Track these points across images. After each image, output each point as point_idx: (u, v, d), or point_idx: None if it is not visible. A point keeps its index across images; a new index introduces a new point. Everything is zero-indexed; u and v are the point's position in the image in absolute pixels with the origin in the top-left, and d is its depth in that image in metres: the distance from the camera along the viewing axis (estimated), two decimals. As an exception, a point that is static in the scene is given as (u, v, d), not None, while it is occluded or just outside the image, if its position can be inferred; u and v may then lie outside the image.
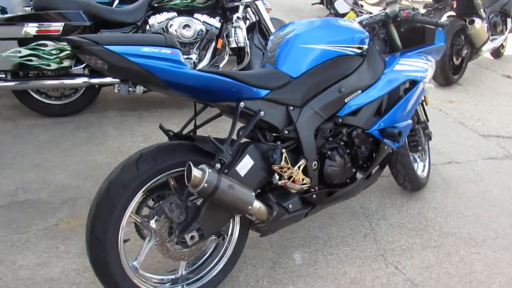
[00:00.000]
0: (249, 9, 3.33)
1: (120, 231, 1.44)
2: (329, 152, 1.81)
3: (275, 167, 1.63)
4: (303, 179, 1.71)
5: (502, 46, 4.98)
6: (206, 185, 1.36)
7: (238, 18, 3.19)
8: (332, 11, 6.20)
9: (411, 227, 2.19)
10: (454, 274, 1.90)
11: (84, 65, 3.02)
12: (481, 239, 2.12)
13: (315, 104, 1.75)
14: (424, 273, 1.90)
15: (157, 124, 3.16)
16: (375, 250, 2.03)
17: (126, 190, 1.43)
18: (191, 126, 1.84)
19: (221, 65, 3.35)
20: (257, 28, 3.35)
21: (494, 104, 3.87)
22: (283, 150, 1.66)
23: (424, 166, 2.45)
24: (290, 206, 1.71)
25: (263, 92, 1.62)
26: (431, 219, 2.26)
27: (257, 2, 3.25)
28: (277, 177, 1.65)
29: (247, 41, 3.21)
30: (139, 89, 1.44)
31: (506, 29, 4.57)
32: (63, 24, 2.75)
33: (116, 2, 3.51)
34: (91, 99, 3.28)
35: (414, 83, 2.01)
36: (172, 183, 1.57)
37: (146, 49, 1.35)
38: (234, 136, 1.60)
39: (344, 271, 1.89)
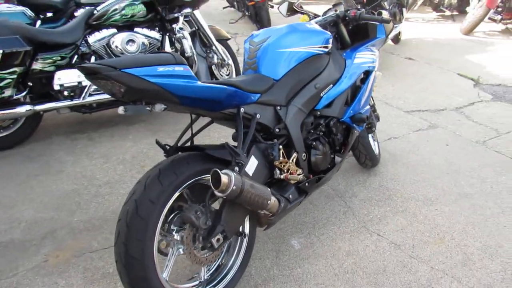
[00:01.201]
0: (185, 19, 3.40)
1: (155, 247, 1.48)
2: (313, 143, 2.02)
3: (277, 163, 1.79)
4: (297, 170, 1.89)
5: (399, 32, 5.69)
6: (234, 187, 1.46)
7: (180, 28, 3.24)
8: (247, 12, 6.47)
9: (378, 199, 2.50)
10: (424, 230, 2.24)
11: (25, 92, 2.84)
12: (434, 198, 2.51)
13: (297, 101, 1.94)
14: (401, 234, 2.21)
15: (111, 143, 3.12)
16: (357, 223, 2.29)
17: (155, 205, 1.47)
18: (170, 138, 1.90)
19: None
20: (198, 37, 3.44)
21: (407, 84, 4.45)
22: (280, 147, 1.83)
23: (375, 144, 2.79)
24: (290, 196, 1.88)
25: (256, 97, 1.77)
26: (391, 189, 2.60)
27: (195, 12, 3.33)
28: (278, 172, 1.81)
29: (194, 51, 3.28)
30: (159, 107, 1.49)
31: (403, 17, 5.25)
32: (1, 51, 2.56)
33: (38, 23, 3.31)
34: (33, 127, 3.08)
35: (367, 73, 2.30)
36: (186, 194, 1.64)
37: (161, 69, 1.41)
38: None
39: (338, 246, 2.12)
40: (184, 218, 1.58)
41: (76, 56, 3.01)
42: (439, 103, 3.90)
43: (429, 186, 2.62)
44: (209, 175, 1.63)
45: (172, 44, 3.40)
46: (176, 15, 3.24)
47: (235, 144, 1.68)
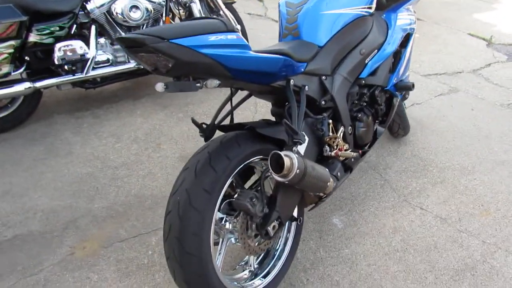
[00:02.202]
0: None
1: (211, 240, 1.33)
2: (358, 115, 1.87)
3: (327, 139, 1.63)
4: (344, 146, 1.74)
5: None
6: (298, 171, 1.30)
7: (187, -8, 2.97)
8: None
9: (414, 170, 2.39)
10: (467, 202, 2.14)
11: (23, 69, 2.57)
12: (471, 166, 2.41)
13: (343, 70, 1.76)
14: (444, 207, 2.11)
15: (119, 120, 2.89)
16: (396, 197, 2.18)
17: (210, 194, 1.30)
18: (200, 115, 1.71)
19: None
20: (204, 1, 3.16)
21: (420, 46, 4.26)
22: (330, 121, 1.66)
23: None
24: (338, 174, 1.74)
25: (303, 66, 1.58)
26: (425, 159, 2.48)
27: (201, -27, 3.05)
28: (327, 148, 1.65)
29: (203, 16, 3.02)
30: (213, 83, 1.29)
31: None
32: (-5, 22, 2.27)
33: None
34: (34, 106, 2.82)
35: (407, 36, 2.12)
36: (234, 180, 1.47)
37: (213, 38, 1.21)
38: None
39: (382, 223, 2.01)
40: (239, 205, 1.41)
41: (75, 26, 2.73)
42: (455, 65, 3.76)
43: (462, 154, 2.51)
44: (258, 157, 1.48)
45: (176, 9, 3.13)
46: (181, -23, 2.95)
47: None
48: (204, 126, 1.68)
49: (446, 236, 1.93)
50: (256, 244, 1.51)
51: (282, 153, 1.29)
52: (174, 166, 2.44)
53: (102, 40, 2.86)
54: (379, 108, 1.98)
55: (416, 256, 1.83)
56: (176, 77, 1.30)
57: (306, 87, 1.58)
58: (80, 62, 2.73)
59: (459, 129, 2.77)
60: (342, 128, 1.75)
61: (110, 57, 2.87)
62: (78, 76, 2.74)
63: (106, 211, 2.11)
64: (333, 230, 1.98)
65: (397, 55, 2.07)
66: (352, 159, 1.83)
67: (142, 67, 2.88)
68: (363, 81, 1.87)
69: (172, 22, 3.16)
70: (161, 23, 3.03)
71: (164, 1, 2.99)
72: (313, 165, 1.40)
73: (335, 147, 1.67)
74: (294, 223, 1.70)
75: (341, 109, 1.74)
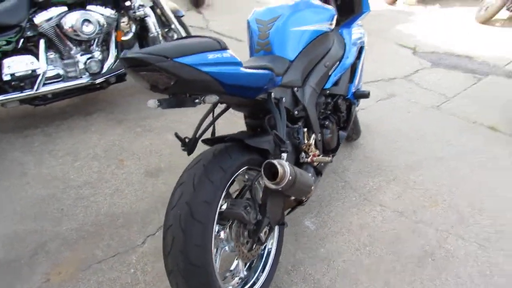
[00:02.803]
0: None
1: (213, 250, 1.37)
2: (325, 123, 2.02)
3: (303, 146, 1.76)
4: (316, 152, 1.88)
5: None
6: (290, 177, 1.40)
7: (141, 5, 2.95)
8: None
9: (368, 170, 2.61)
10: (418, 196, 2.39)
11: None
12: (415, 164, 2.68)
13: (311, 82, 1.91)
14: (400, 202, 2.34)
15: (73, 138, 2.78)
16: (357, 196, 2.37)
17: (211, 205, 1.35)
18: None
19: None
20: (156, 15, 3.16)
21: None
22: (304, 129, 1.79)
23: (355, 117, 2.87)
24: (313, 178, 1.87)
25: (279, 80, 1.69)
26: (376, 159, 2.72)
27: (153, -13, 3.05)
28: (304, 155, 1.78)
29: (159, 30, 3.01)
30: (211, 99, 1.34)
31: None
32: None
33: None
34: (-24, 126, 2.62)
35: (360, 49, 2.33)
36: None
37: (211, 56, 1.28)
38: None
39: (349, 221, 2.18)
40: (233, 214, 1.48)
41: (22, 40, 2.59)
42: (390, 73, 4.13)
43: (407, 153, 2.79)
44: (245, 167, 1.55)
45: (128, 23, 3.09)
46: (133, -10, 2.93)
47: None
48: (187, 140, 1.72)
49: (405, 228, 2.15)
50: (249, 250, 1.58)
51: (275, 162, 1.38)
52: (141, 182, 2.42)
53: (52, 54, 2.74)
54: (341, 115, 2.16)
55: (383, 248, 2.02)
56: (172, 94, 1.34)
57: (283, 98, 1.70)
58: (29, 78, 2.60)
59: (400, 130, 3.07)
60: (313, 136, 1.89)
61: (61, 72, 2.77)
62: (28, 92, 2.61)
63: (77, 233, 2.04)
64: (307, 232, 2.10)
65: (353, 67, 2.26)
66: (322, 164, 1.97)
67: (96, 82, 2.82)
68: (328, 91, 2.03)
69: (124, 36, 3.11)
70: (112, 37, 2.98)
71: (115, 15, 2.94)
72: (300, 172, 1.51)
73: (310, 153, 1.80)
74: (277, 228, 1.80)
75: (312, 118, 1.87)
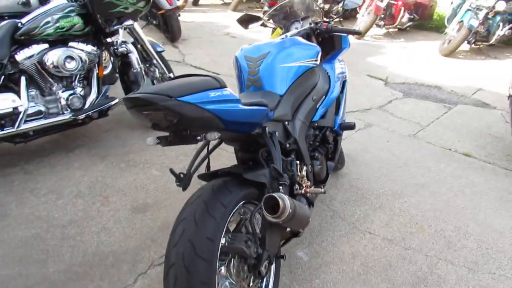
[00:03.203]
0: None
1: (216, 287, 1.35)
2: (315, 154, 2.07)
3: (298, 178, 1.79)
4: (307, 183, 1.91)
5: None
6: (290, 210, 1.42)
7: (123, 42, 2.97)
8: (154, 21, 6.14)
9: (354, 199, 2.66)
10: (404, 222, 2.45)
11: None
12: (399, 191, 2.76)
13: (301, 115, 1.96)
14: (388, 229, 2.38)
15: (55, 175, 2.71)
16: (347, 225, 2.40)
17: (213, 242, 1.34)
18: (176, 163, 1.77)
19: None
20: (137, 50, 3.19)
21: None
22: (297, 162, 1.83)
23: (338, 147, 2.95)
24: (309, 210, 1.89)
25: (272, 114, 1.73)
26: (361, 188, 2.78)
27: (134, 24, 3.08)
28: (297, 187, 1.81)
29: (141, 66, 3.03)
30: (213, 135, 1.35)
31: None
32: None
33: None
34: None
35: (343, 82, 2.43)
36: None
37: (213, 94, 1.31)
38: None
39: (341, 251, 2.20)
40: (234, 249, 1.47)
41: (2, 78, 2.55)
42: (365, 103, 4.28)
43: (390, 181, 2.87)
44: (243, 201, 1.56)
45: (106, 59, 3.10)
46: (115, 27, 2.96)
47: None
48: (182, 176, 1.72)
49: (396, 255, 2.18)
50: (248, 285, 1.57)
51: (276, 195, 1.39)
52: (128, 218, 2.36)
53: (33, 91, 2.70)
54: (329, 147, 2.22)
55: (377, 276, 2.04)
56: (173, 131, 1.35)
57: (276, 132, 1.73)
58: (10, 116, 2.54)
59: (382, 159, 3.16)
60: (304, 167, 1.93)
61: (43, 108, 2.73)
62: (9, 130, 2.55)
63: (65, 275, 1.96)
64: (300, 263, 2.10)
65: (337, 100, 2.35)
66: (314, 195, 2.00)
67: (79, 118, 2.78)
68: (316, 124, 2.09)
69: (104, 71, 3.12)
70: (94, 73, 2.97)
71: (97, 51, 2.95)
72: (299, 204, 1.52)
73: (303, 185, 1.83)
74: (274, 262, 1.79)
75: (303, 150, 1.92)
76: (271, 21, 2.57)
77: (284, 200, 1.41)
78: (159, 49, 3.42)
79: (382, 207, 2.58)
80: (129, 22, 2.97)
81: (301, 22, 2.45)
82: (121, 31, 2.99)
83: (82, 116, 2.78)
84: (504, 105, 4.28)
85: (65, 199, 2.48)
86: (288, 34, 2.32)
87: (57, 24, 2.69)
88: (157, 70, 3.33)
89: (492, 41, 6.01)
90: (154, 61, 3.30)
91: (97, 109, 2.86)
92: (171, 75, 3.46)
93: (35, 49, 2.66)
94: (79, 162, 2.88)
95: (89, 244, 2.15)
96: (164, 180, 2.73)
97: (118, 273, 1.98)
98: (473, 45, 6.34)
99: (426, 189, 2.79)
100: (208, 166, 1.79)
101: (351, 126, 2.29)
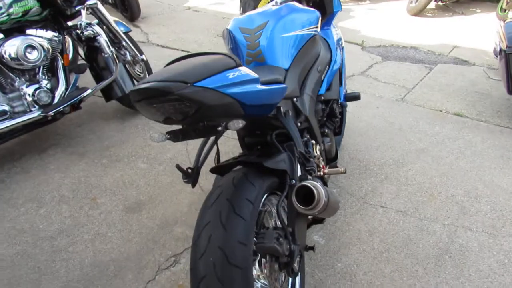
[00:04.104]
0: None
1: (254, 294, 1.19)
2: (325, 130, 1.91)
3: (316, 160, 1.63)
4: (322, 163, 1.76)
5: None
6: (326, 200, 1.26)
7: (88, 24, 2.65)
8: (110, 0, 5.69)
9: (358, 172, 2.54)
10: (414, 191, 2.36)
11: None
12: (401, 158, 2.67)
13: (308, 89, 1.79)
14: (399, 200, 2.29)
15: (31, 181, 2.44)
16: (356, 201, 2.29)
17: (247, 246, 1.17)
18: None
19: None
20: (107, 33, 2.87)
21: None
22: (313, 142, 1.66)
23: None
24: None
25: (282, 91, 1.55)
26: (362, 159, 2.66)
27: (98, 3, 2.74)
28: (315, 168, 1.65)
29: (113, 49, 2.72)
30: (236, 125, 1.15)
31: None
32: None
33: None
34: None
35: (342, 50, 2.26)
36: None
37: (231, 75, 1.10)
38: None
39: (357, 229, 2.09)
40: (266, 249, 1.30)
41: (-46, 77, 2.21)
42: (346, 70, 4.13)
43: (390, 149, 2.77)
44: (266, 194, 1.39)
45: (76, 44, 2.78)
46: (77, 8, 2.62)
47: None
48: (189, 171, 1.51)
49: (413, 227, 2.10)
50: (281, 285, 1.42)
51: (309, 185, 1.23)
52: (123, 220, 2.15)
53: (-9, 90, 2.37)
54: (336, 120, 2.06)
55: (399, 252, 1.94)
56: (189, 124, 1.15)
57: (290, 111, 1.55)
58: (-28, 119, 2.22)
59: (376, 126, 3.05)
60: (317, 146, 1.77)
61: (7, 108, 2.40)
62: (-28, 136, 2.22)
63: (63, 293, 1.74)
64: (318, 248, 1.97)
65: (339, 70, 2.18)
66: (326, 175, 1.85)
67: (49, 114, 2.48)
68: (322, 97, 1.92)
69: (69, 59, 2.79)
70: (59, 62, 2.65)
71: (58, 37, 2.62)
72: (330, 191, 1.37)
73: (320, 166, 1.68)
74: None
75: (314, 127, 1.75)
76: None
77: (318, 189, 1.25)
78: (125, 29, 3.11)
79: (388, 178, 2.48)
80: (92, 1, 2.64)
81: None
82: (83, 12, 2.65)
83: (52, 112, 2.48)
84: (483, 61, 4.29)
85: (48, 207, 2.22)
86: (278, 0, 2.11)
87: (10, 10, 2.34)
88: (127, 53, 3.02)
89: (460, -4, 5.98)
90: (124, 43, 2.98)
91: (68, 102, 2.55)
92: (143, 57, 3.16)
93: (-12, 40, 2.32)
94: (56, 163, 2.60)
95: (84, 254, 1.93)
96: (154, 173, 2.51)
97: (123, 284, 1.78)
98: (439, 2, 6.30)
99: (427, 154, 2.71)
100: (218, 158, 1.59)
101: (356, 97, 2.14)
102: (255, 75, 1.19)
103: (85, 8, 2.65)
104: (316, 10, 1.90)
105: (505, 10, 5.48)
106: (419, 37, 5.09)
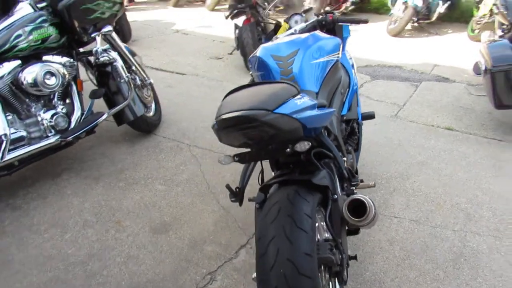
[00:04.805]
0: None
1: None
2: (348, 148, 2.04)
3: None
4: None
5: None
6: (375, 211, 1.39)
7: (104, 50, 2.71)
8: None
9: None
10: (422, 202, 2.52)
11: None
12: (405, 171, 2.83)
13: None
14: (411, 210, 2.44)
15: (50, 207, 2.45)
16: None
17: (312, 257, 1.27)
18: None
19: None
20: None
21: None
22: (344, 158, 1.79)
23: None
24: None
25: (318, 113, 1.68)
26: (370, 174, 2.81)
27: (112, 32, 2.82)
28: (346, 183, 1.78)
29: (129, 75, 2.79)
30: (304, 146, 1.26)
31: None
32: None
33: None
34: None
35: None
36: None
37: (298, 102, 1.22)
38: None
39: (378, 239, 2.22)
40: (323, 260, 1.39)
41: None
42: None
43: (393, 163, 2.94)
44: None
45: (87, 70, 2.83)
46: (93, 35, 2.69)
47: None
48: (237, 190, 1.61)
49: (428, 234, 2.25)
50: (330, 293, 1.51)
51: (362, 198, 1.35)
52: (152, 241, 2.19)
53: (10, 116, 2.38)
54: (354, 138, 2.21)
55: (419, 258, 2.08)
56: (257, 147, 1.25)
57: (324, 131, 1.68)
58: (-8, 147, 2.22)
59: (378, 142, 3.23)
60: (344, 163, 1.90)
61: (24, 134, 2.42)
62: (-8, 164, 2.23)
63: (106, 316, 1.77)
64: (344, 258, 2.08)
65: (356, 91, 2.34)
66: (353, 188, 1.98)
67: (68, 139, 2.51)
68: (345, 117, 2.06)
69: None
70: (73, 88, 2.69)
71: (73, 63, 2.67)
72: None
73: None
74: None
75: (342, 146, 1.88)
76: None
77: (368, 201, 1.38)
78: (134, 54, 3.19)
79: (396, 190, 2.64)
80: (108, 28, 2.72)
81: (303, 15, 2.40)
82: (98, 38, 2.73)
83: (71, 137, 2.51)
84: (462, 78, 4.60)
85: (73, 232, 2.24)
86: (297, 28, 2.27)
87: (30, 37, 2.39)
88: (137, 77, 3.10)
89: (433, 18, 6.37)
90: (133, 68, 3.06)
91: (87, 127, 2.59)
92: (151, 80, 3.25)
93: (7, 67, 2.36)
94: (72, 188, 2.61)
95: (120, 277, 1.96)
96: (173, 194, 2.57)
97: (165, 303, 1.83)
98: (415, 24, 6.68)
99: (428, 166, 2.90)
100: (262, 177, 1.69)
101: (371, 116, 2.30)
102: (314, 101, 1.31)
103: (100, 35, 2.72)
104: (337, 38, 2.06)
105: (474, 31, 5.90)
106: (402, 56, 5.39)
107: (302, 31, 2.25)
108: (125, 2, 6.06)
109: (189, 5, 8.81)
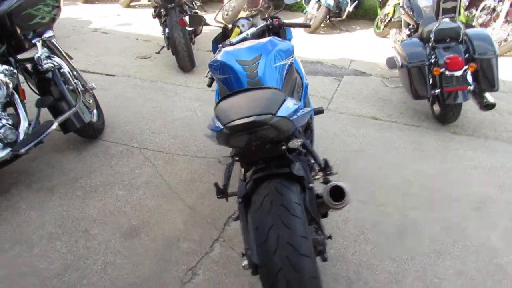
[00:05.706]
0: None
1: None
2: (308, 141, 2.28)
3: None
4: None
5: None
6: (349, 196, 1.63)
7: (47, 57, 2.60)
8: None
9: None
10: (365, 184, 2.87)
11: None
12: (346, 159, 3.18)
13: (294, 110, 2.14)
14: (357, 192, 2.77)
15: (7, 224, 2.38)
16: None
17: (308, 239, 1.47)
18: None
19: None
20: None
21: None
22: (312, 151, 2.02)
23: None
24: None
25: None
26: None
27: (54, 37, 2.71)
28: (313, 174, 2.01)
29: (77, 81, 2.70)
30: (296, 143, 1.44)
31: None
32: None
33: None
34: None
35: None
36: None
37: (290, 105, 1.40)
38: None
39: (334, 220, 2.50)
40: (313, 241, 1.60)
41: None
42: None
43: (334, 152, 3.27)
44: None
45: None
46: (34, 41, 2.58)
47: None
48: (222, 188, 1.74)
49: (375, 212, 2.58)
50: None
51: (341, 185, 1.59)
52: (125, 246, 2.22)
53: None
54: (310, 131, 2.45)
55: (372, 233, 2.40)
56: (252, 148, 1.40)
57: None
58: None
59: (317, 134, 3.53)
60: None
61: (-29, 150, 2.26)
62: None
63: (98, 324, 1.79)
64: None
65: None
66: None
67: (21, 153, 2.41)
68: (301, 114, 2.29)
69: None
70: (16, 97, 2.55)
71: (12, 70, 2.53)
72: (345, 187, 1.74)
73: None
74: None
75: (307, 144, 2.11)
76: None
77: (346, 188, 1.62)
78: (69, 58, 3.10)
79: (342, 176, 2.89)
80: (49, 33, 2.62)
81: (250, 19, 2.58)
82: (39, 44, 2.62)
83: (24, 150, 2.39)
84: (377, 72, 5.15)
85: (40, 246, 2.18)
86: (249, 32, 2.44)
87: (-30, 46, 2.23)
88: (79, 83, 3.02)
89: (344, 16, 6.96)
90: (75, 73, 2.98)
91: (38, 138, 2.48)
92: (93, 85, 3.18)
93: None
94: (26, 202, 2.50)
95: (101, 284, 1.98)
96: (135, 198, 2.60)
97: (154, 303, 1.90)
98: (327, 21, 7.23)
99: (363, 153, 3.28)
100: (244, 175, 1.84)
101: (321, 111, 2.55)
102: (299, 103, 1.50)
103: (40, 41, 2.61)
104: (290, 42, 2.28)
105: (380, 28, 6.58)
106: (321, 52, 5.83)
107: (253, 35, 2.43)
108: None
109: (100, 0, 8.44)
